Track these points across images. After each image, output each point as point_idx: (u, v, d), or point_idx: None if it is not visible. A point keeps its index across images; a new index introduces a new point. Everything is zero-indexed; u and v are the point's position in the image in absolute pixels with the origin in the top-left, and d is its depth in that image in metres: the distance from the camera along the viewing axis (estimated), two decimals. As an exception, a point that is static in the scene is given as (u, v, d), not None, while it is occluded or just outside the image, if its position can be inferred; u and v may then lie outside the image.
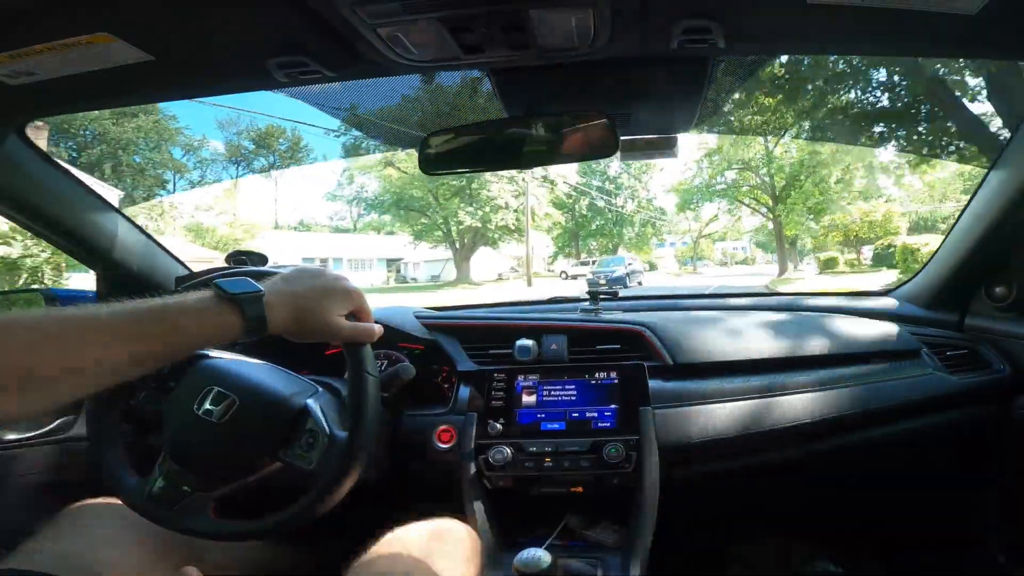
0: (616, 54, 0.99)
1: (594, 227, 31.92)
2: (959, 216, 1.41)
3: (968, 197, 1.39)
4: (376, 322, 1.27)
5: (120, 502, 0.94)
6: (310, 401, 0.94)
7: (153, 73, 0.99)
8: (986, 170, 1.33)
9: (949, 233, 1.45)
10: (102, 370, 0.65)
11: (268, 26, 0.89)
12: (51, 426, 1.41)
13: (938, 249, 1.50)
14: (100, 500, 0.99)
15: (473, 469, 1.20)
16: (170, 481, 0.91)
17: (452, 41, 0.91)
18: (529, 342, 1.38)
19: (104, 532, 0.93)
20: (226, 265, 1.27)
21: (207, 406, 0.90)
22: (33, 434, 1.38)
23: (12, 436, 1.36)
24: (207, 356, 0.98)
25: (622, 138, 1.15)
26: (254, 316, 0.75)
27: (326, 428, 0.91)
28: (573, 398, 1.26)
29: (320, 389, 0.99)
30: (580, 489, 1.21)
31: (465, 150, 1.23)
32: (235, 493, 0.93)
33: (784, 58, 7.32)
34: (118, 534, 0.93)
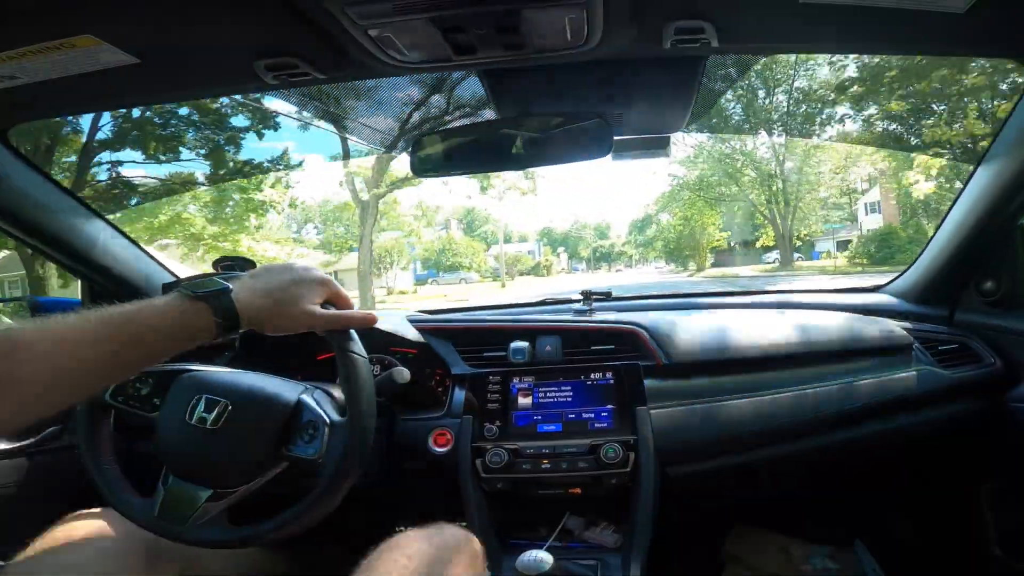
0: (609, 54, 0.98)
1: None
2: (947, 212, 1.42)
3: (956, 193, 1.40)
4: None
5: (113, 511, 0.93)
6: (303, 395, 0.94)
7: (139, 76, 0.97)
8: (973, 166, 1.34)
9: (938, 229, 1.46)
10: (81, 375, 0.65)
11: (255, 27, 0.88)
12: (39, 436, 1.38)
13: (927, 245, 1.51)
14: (93, 511, 0.98)
15: (471, 472, 1.20)
16: (176, 496, 0.90)
17: (444, 42, 0.90)
18: (523, 344, 1.37)
19: (99, 543, 0.91)
20: (213, 271, 1.25)
21: (199, 414, 0.89)
22: (21, 444, 1.36)
23: (0, 447, 1.34)
24: (189, 370, 0.98)
25: (616, 138, 1.14)
26: (224, 311, 0.76)
27: (324, 416, 0.91)
28: (569, 399, 1.26)
29: (311, 386, 0.98)
30: (578, 490, 1.21)
31: (456, 152, 1.22)
32: (245, 500, 0.92)
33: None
34: (113, 544, 0.92)
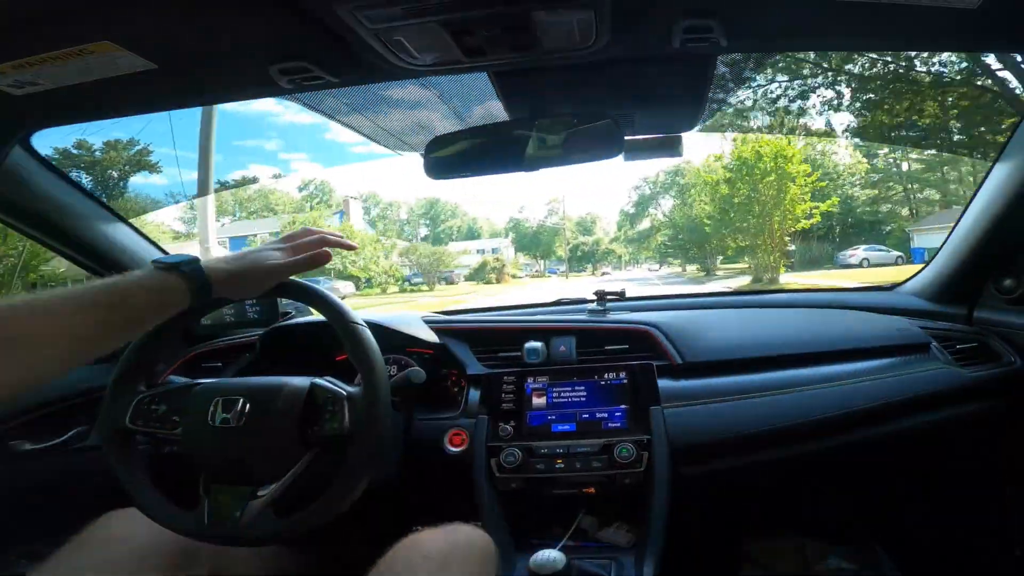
0: (619, 54, 0.99)
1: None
2: (965, 209, 1.40)
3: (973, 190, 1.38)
4: (385, 328, 1.27)
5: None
6: (315, 380, 0.96)
7: (157, 81, 0.99)
8: (991, 163, 1.32)
9: (956, 226, 1.44)
10: (74, 335, 0.72)
11: (270, 32, 0.89)
12: (64, 436, 1.41)
13: (944, 242, 1.49)
14: (127, 510, 1.00)
15: (485, 472, 1.20)
16: (220, 501, 0.91)
17: (454, 44, 0.91)
18: (538, 344, 1.37)
19: (134, 543, 0.94)
20: None
21: (221, 415, 0.91)
22: (47, 444, 1.39)
23: (28, 446, 1.37)
24: (199, 383, 1.00)
25: (627, 138, 1.14)
26: (194, 276, 0.84)
27: (340, 391, 0.93)
28: (583, 399, 1.26)
29: (320, 376, 1.00)
30: (592, 490, 1.20)
31: (469, 154, 1.23)
32: (287, 494, 0.93)
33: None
34: (148, 544, 0.94)
